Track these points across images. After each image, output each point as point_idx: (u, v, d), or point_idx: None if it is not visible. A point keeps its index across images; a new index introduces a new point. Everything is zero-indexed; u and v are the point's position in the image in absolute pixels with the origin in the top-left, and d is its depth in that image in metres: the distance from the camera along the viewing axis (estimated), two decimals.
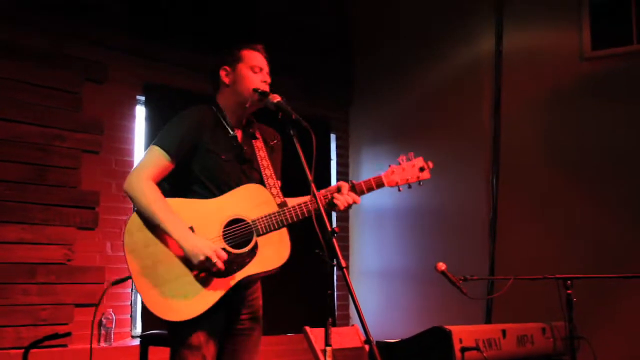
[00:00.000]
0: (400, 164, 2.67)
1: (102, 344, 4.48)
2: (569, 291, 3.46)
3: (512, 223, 5.43)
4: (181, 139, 2.53)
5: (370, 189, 2.63)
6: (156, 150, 2.52)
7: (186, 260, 2.40)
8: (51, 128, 4.50)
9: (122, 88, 4.93)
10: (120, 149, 4.87)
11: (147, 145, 2.59)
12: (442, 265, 3.48)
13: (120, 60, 4.90)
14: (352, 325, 4.55)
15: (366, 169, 6.34)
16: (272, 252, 2.49)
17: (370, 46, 6.46)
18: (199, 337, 2.45)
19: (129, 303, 4.78)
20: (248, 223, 2.49)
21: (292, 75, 5.53)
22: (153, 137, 2.59)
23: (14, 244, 4.26)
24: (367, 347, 3.61)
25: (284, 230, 2.53)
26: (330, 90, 6.36)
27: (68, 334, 4.07)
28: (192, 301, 2.39)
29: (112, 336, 4.53)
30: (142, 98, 5.06)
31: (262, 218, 2.49)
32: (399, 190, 2.68)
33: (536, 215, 5.33)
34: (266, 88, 2.61)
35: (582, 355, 3.77)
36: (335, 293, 5.98)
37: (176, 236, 2.39)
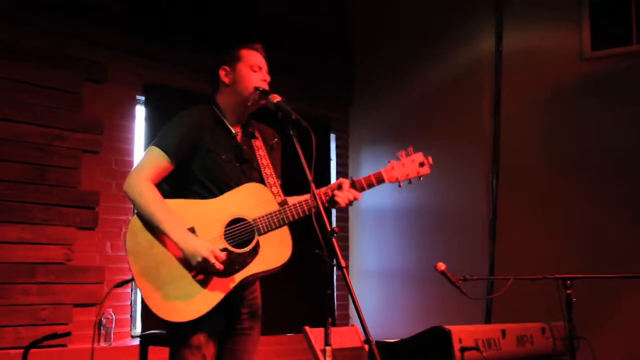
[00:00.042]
0: (399, 159, 2.66)
1: (102, 344, 4.48)
2: (568, 291, 3.46)
3: (512, 223, 5.43)
4: (180, 139, 2.53)
5: (370, 185, 2.62)
6: (155, 151, 2.52)
7: (186, 262, 2.40)
8: (51, 128, 4.50)
9: (122, 88, 4.93)
10: (120, 149, 4.87)
11: (147, 145, 2.59)
12: (441, 265, 3.48)
13: (120, 60, 4.90)
14: (352, 325, 4.56)
15: (366, 169, 6.34)
16: (274, 250, 2.49)
17: (370, 46, 6.46)
18: (199, 337, 2.45)
19: (129, 303, 4.78)
20: (249, 222, 2.49)
21: (292, 75, 5.53)
22: (153, 137, 2.58)
23: (14, 243, 4.26)
24: (366, 347, 3.61)
25: (285, 229, 2.53)
26: (330, 90, 6.36)
27: (67, 334, 4.08)
28: (194, 302, 2.39)
29: (112, 336, 4.53)
30: (142, 98, 5.07)
31: (263, 217, 2.49)
32: (400, 185, 2.66)
33: (536, 215, 5.33)
34: (266, 87, 2.62)
35: (582, 355, 3.77)
36: (335, 293, 5.97)
37: (175, 237, 2.39)
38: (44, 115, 4.48)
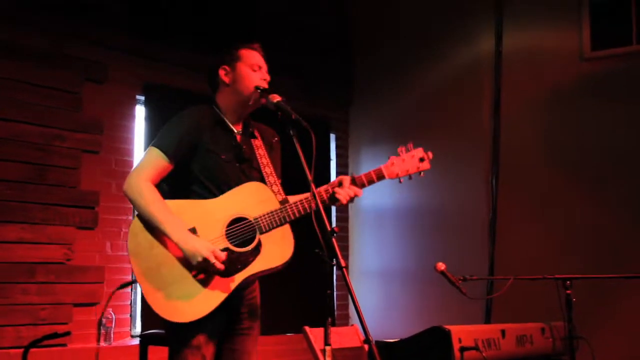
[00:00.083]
0: (399, 155, 2.64)
1: (102, 344, 4.48)
2: (568, 291, 3.46)
3: (512, 223, 5.43)
4: (180, 139, 2.53)
5: (371, 182, 2.61)
6: (155, 151, 2.52)
7: (187, 262, 2.40)
8: (51, 128, 4.50)
9: (122, 88, 4.93)
10: (120, 149, 4.87)
11: (147, 145, 2.58)
12: (441, 265, 3.48)
13: (120, 60, 4.90)
14: (352, 325, 4.56)
15: (366, 169, 6.22)
16: (276, 249, 2.48)
17: (370, 46, 6.46)
18: (199, 338, 2.45)
19: (129, 303, 4.79)
20: (250, 221, 2.48)
21: (292, 75, 5.53)
22: (153, 137, 2.58)
23: (14, 243, 4.26)
24: (366, 346, 3.61)
25: (287, 227, 2.52)
26: (330, 90, 6.36)
27: (67, 334, 4.08)
28: (197, 302, 2.38)
29: (112, 335, 4.53)
30: (142, 98, 5.07)
31: (264, 215, 2.49)
32: (400, 181, 2.64)
33: (536, 215, 5.33)
34: (266, 86, 2.62)
35: (582, 356, 3.76)
36: (335, 293, 5.98)
37: (175, 238, 2.39)
38: (44, 115, 4.48)
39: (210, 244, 2.40)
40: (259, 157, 2.66)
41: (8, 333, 4.15)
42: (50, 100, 4.52)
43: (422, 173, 2.65)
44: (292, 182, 2.76)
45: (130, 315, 4.79)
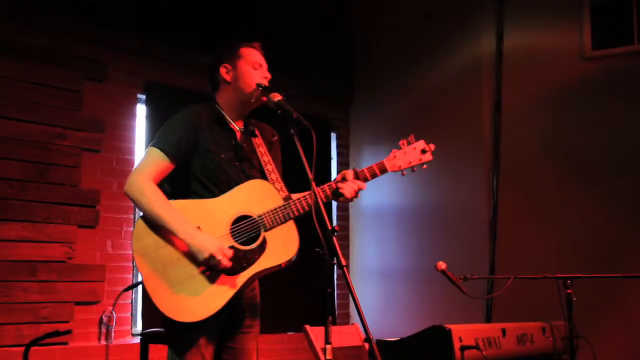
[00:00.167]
0: (401, 148, 2.63)
1: (103, 342, 4.49)
2: (568, 291, 3.46)
3: (512, 222, 5.43)
4: (179, 138, 2.52)
5: (374, 175, 2.59)
6: (155, 151, 2.51)
7: (194, 258, 2.39)
8: (52, 126, 4.51)
9: (122, 87, 4.94)
10: (121, 148, 4.88)
11: (148, 144, 2.58)
12: (442, 265, 3.48)
13: (121, 59, 4.91)
14: (352, 323, 4.57)
15: None
16: (281, 246, 2.47)
17: (371, 46, 6.46)
18: (199, 338, 2.44)
19: (130, 301, 4.79)
20: (254, 219, 2.47)
21: (292, 75, 5.54)
22: (154, 136, 2.58)
23: (15, 241, 4.27)
24: (367, 345, 3.61)
25: (292, 224, 2.51)
26: (331, 89, 6.36)
27: (68, 332, 4.09)
28: (204, 301, 2.37)
29: (113, 334, 4.54)
30: (143, 97, 5.07)
31: (267, 213, 2.48)
32: (403, 174, 2.62)
33: (537, 215, 5.34)
34: (267, 84, 2.62)
35: (582, 355, 3.77)
36: (336, 292, 5.98)
37: (182, 235, 2.38)
38: (45, 114, 4.49)
39: (217, 241, 2.39)
40: (260, 155, 2.65)
41: (9, 331, 4.16)
42: (52, 99, 4.53)
43: (424, 165, 2.64)
44: (293, 181, 2.76)
45: (131, 314, 4.80)
